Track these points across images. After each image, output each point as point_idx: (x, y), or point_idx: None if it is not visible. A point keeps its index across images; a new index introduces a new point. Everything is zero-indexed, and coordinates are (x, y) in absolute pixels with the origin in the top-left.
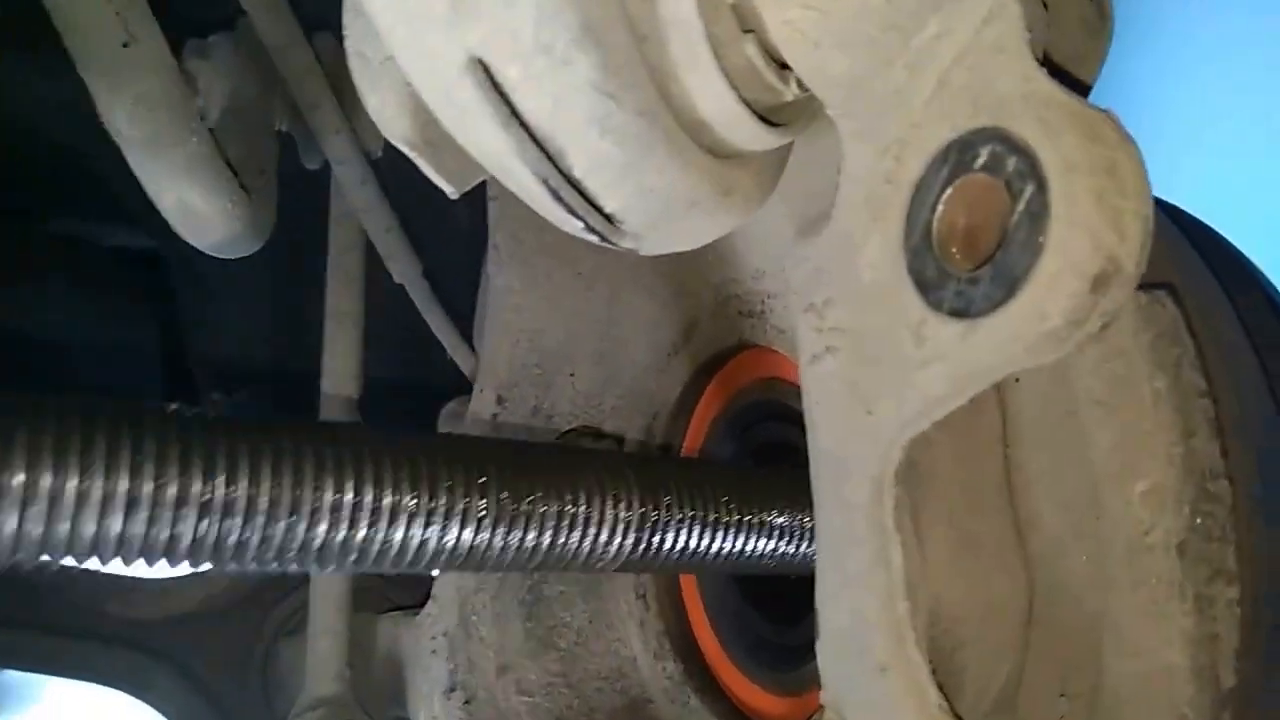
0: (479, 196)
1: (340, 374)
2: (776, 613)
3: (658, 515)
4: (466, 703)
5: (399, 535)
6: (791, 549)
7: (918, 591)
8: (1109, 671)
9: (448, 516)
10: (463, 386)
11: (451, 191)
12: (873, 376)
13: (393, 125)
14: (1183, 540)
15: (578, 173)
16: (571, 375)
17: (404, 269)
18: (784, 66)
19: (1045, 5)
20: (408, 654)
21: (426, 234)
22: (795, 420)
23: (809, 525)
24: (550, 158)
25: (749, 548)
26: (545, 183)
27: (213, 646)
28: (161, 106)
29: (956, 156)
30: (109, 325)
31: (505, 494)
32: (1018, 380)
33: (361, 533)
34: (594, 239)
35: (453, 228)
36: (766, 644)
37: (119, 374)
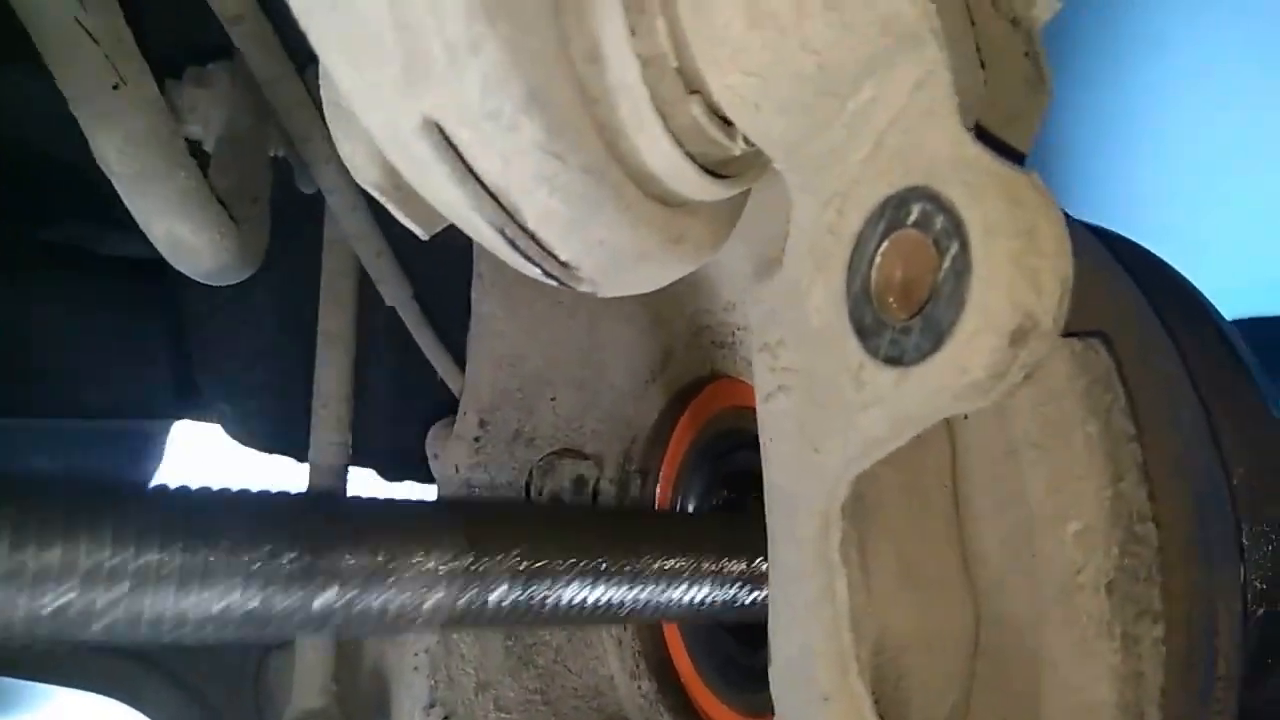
0: None
1: (332, 395)
2: (745, 634)
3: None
4: (446, 718)
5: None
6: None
7: (862, 623)
8: (1046, 706)
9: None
10: (454, 408)
11: (422, 234)
12: (819, 416)
13: (363, 172)
14: (1111, 580)
15: (531, 225)
16: (553, 400)
17: (395, 292)
18: (729, 123)
19: (983, 64)
20: (392, 669)
21: (418, 258)
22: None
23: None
24: (505, 210)
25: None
26: (502, 233)
27: (205, 656)
28: (150, 144)
29: (892, 212)
30: (115, 335)
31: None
32: (966, 417)
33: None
34: (553, 283)
35: (444, 251)
36: (735, 664)
37: (125, 385)
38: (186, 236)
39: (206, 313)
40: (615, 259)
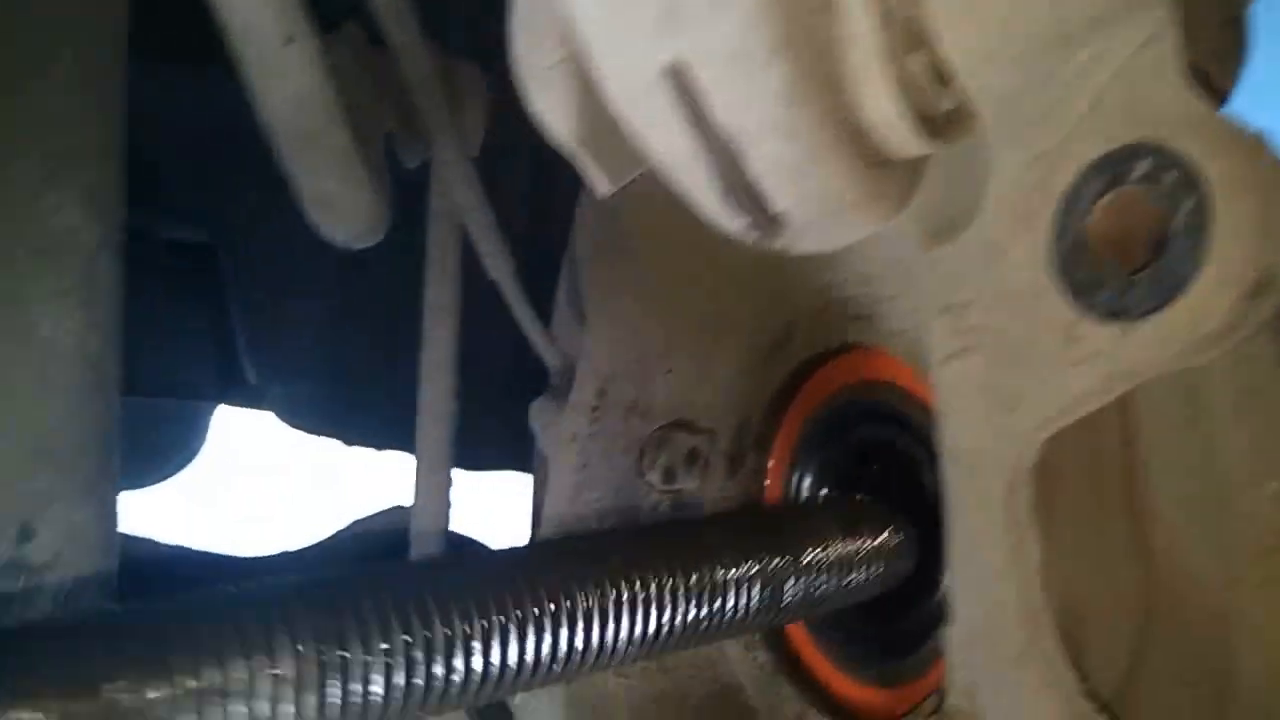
0: (549, 204)
1: (439, 366)
2: (871, 607)
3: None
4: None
5: None
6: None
7: (1052, 581)
8: (1241, 664)
9: None
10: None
11: (605, 188)
12: (1015, 376)
13: (558, 126)
14: None
15: (753, 174)
16: (669, 372)
17: (499, 266)
18: (945, 80)
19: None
20: None
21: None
22: (898, 421)
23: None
24: (729, 157)
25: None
26: (719, 181)
27: None
28: (316, 101)
29: (1112, 168)
30: (161, 317)
31: None
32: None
33: None
34: (752, 237)
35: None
36: (860, 636)
37: (171, 367)
38: (340, 195)
39: (256, 296)
40: (827, 210)
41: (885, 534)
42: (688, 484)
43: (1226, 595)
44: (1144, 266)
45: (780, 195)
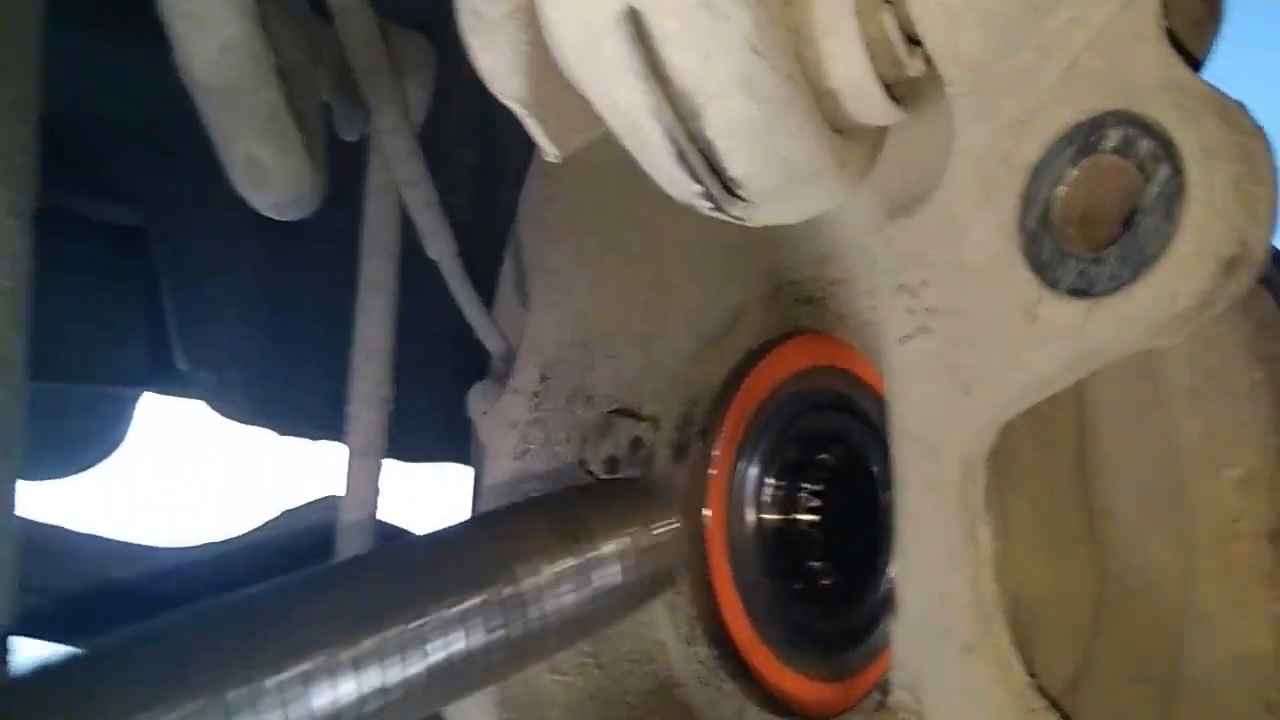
0: (494, 182)
1: (375, 348)
2: (816, 599)
3: None
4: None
5: None
6: None
7: (1003, 573)
8: (1192, 658)
9: None
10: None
11: (554, 154)
12: (973, 357)
13: (505, 82)
14: (1274, 528)
15: (710, 133)
16: (613, 357)
17: (440, 246)
18: (915, 42)
19: None
20: None
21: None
22: (849, 409)
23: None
24: (684, 117)
25: None
26: (674, 142)
27: None
28: (243, 56)
29: (1083, 138)
30: (90, 300)
31: None
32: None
33: None
34: (706, 205)
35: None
36: (805, 630)
37: (99, 351)
38: (268, 160)
39: (189, 281)
40: (788, 177)
41: (637, 530)
42: (630, 472)
43: (1181, 587)
44: (1113, 241)
45: (738, 158)
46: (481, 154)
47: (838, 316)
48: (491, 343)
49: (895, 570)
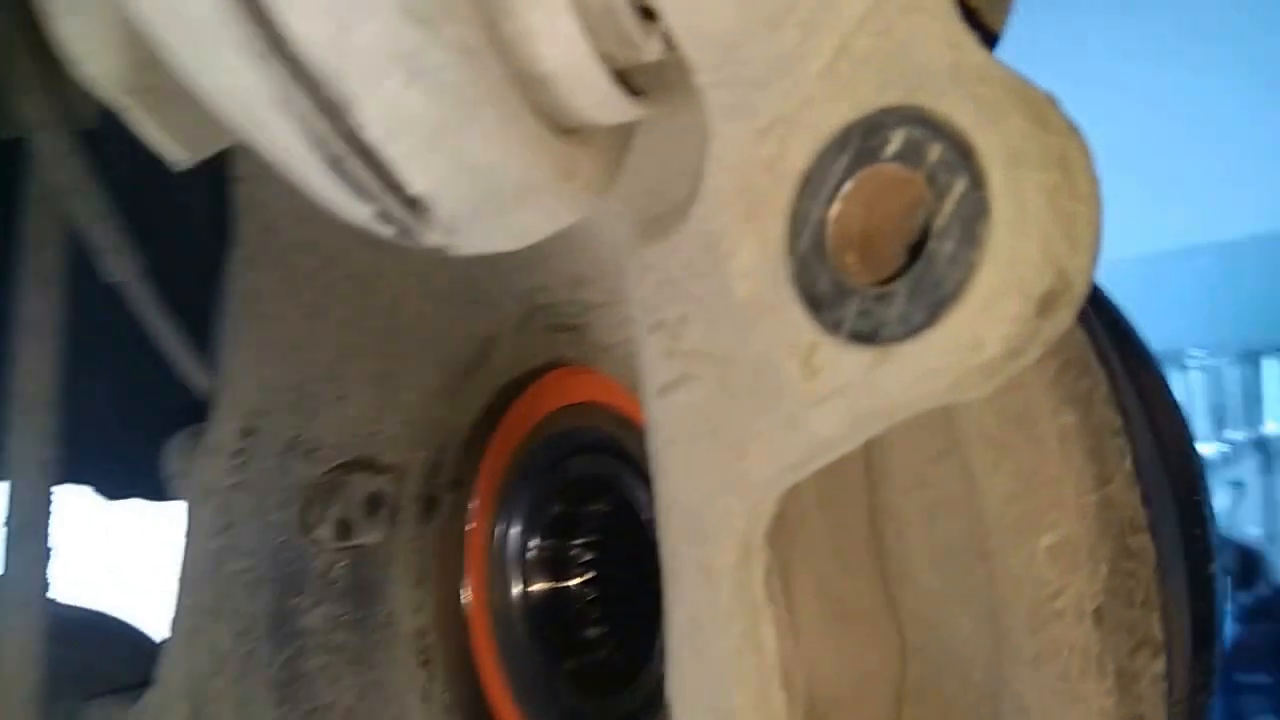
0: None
1: (35, 398)
2: (590, 679)
3: None
4: None
5: None
6: None
7: (794, 675)
8: None
9: None
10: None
11: (178, 159)
12: (743, 414)
13: (97, 63)
14: (1100, 605)
15: (370, 134)
16: (341, 399)
17: (119, 264)
18: (647, 15)
19: None
20: None
21: (150, 223)
22: (615, 452)
23: None
24: (329, 109)
25: None
26: (321, 147)
27: None
28: None
29: (859, 142)
30: None
31: None
32: None
33: None
34: (388, 232)
35: (184, 214)
36: (578, 716)
37: None
38: None
39: None
40: (492, 191)
41: None
42: (370, 537)
43: (994, 671)
44: (901, 272)
45: (415, 169)
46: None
47: (600, 347)
48: (197, 380)
49: (667, 683)
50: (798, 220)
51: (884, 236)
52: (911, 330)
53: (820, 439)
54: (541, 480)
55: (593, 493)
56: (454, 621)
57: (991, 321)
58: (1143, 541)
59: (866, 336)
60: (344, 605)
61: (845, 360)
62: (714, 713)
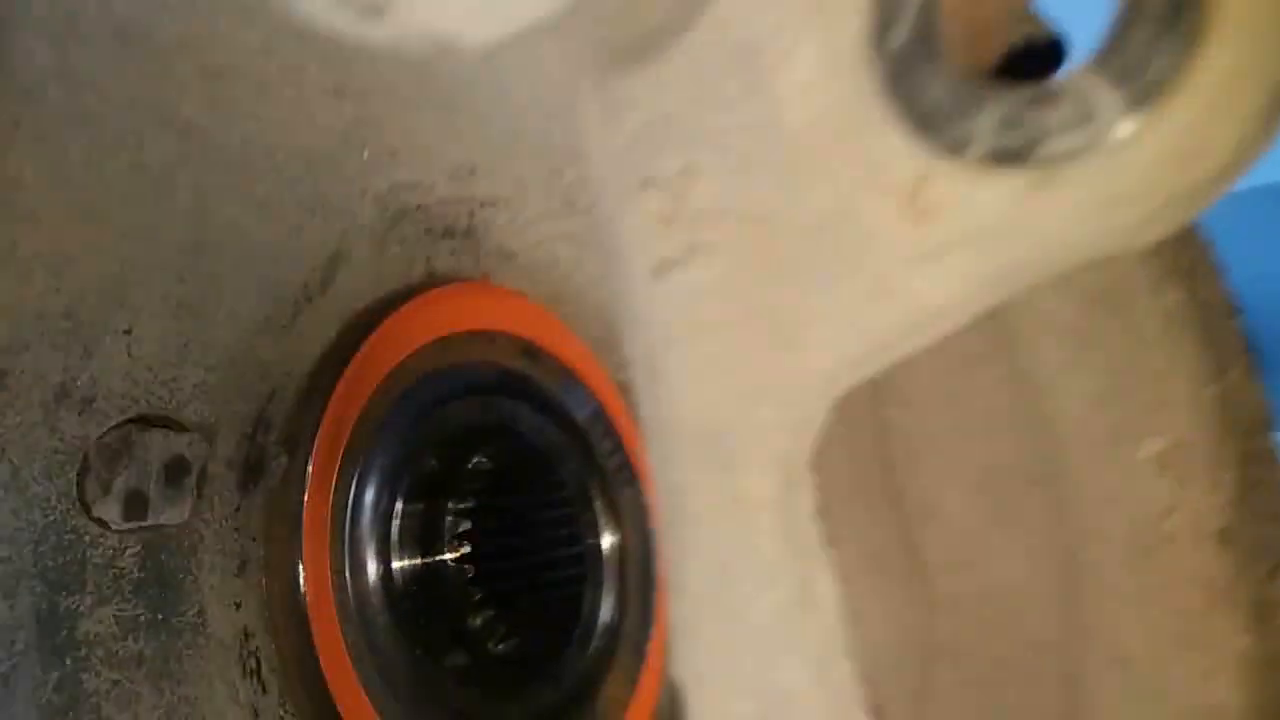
0: None
1: None
2: (485, 675)
3: None
4: None
5: None
6: None
7: (856, 645)
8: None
9: None
10: None
11: None
12: (794, 288)
13: None
14: (1226, 524)
15: None
16: (127, 333)
17: None
18: None
19: None
20: None
21: None
22: (512, 392)
23: None
24: None
25: None
26: None
27: None
28: None
29: None
30: None
31: None
32: None
33: None
34: (345, 17)
35: None
36: None
37: None
38: None
39: None
40: None
41: None
42: (170, 515)
43: (1069, 622)
44: (1049, 62)
45: None
46: None
47: (499, 254)
48: None
49: (679, 660)
50: (888, 5)
51: (988, 34)
52: (1095, 137)
53: (926, 308)
54: (407, 433)
55: (477, 443)
56: (289, 617)
57: (1222, 117)
58: (1267, 443)
59: (1014, 154)
60: (138, 604)
61: (979, 191)
62: (757, 696)
